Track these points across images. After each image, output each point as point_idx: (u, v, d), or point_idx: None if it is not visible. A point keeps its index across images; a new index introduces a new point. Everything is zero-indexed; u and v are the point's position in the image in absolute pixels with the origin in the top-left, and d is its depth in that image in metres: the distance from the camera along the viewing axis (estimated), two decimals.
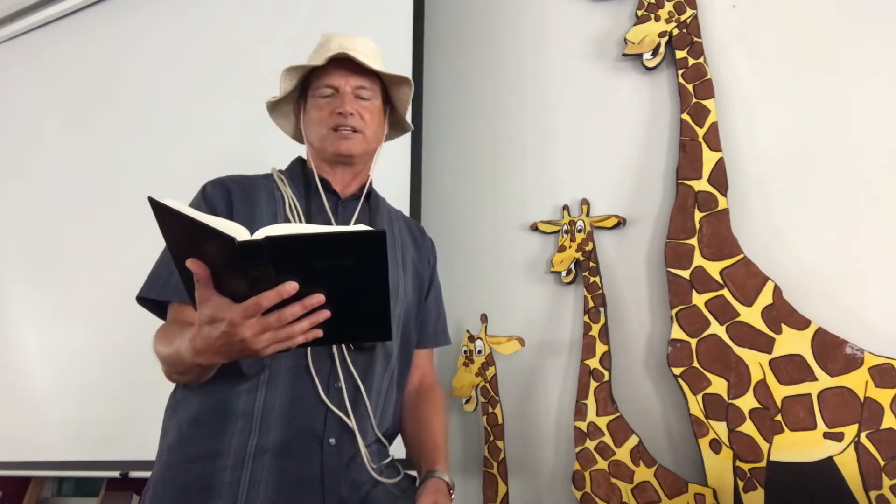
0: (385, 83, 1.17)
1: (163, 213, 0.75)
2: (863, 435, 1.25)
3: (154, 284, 1.03)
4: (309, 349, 0.99)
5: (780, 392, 1.33)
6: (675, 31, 1.66)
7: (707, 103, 1.57)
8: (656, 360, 1.53)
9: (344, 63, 1.11)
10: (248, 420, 0.95)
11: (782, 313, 1.37)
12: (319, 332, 0.79)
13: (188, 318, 0.95)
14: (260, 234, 0.70)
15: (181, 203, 0.75)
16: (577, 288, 1.67)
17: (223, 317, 0.75)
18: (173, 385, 1.06)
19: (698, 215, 1.50)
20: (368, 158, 1.17)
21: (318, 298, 0.75)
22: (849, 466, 1.25)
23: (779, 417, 1.32)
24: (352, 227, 0.74)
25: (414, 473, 1.12)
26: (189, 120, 2.25)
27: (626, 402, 1.52)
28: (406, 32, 1.89)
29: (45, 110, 2.64)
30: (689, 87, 1.60)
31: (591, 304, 1.60)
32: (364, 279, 0.76)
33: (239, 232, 0.71)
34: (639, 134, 1.70)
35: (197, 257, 0.74)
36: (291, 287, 0.73)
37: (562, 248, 1.68)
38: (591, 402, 1.52)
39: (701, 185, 1.52)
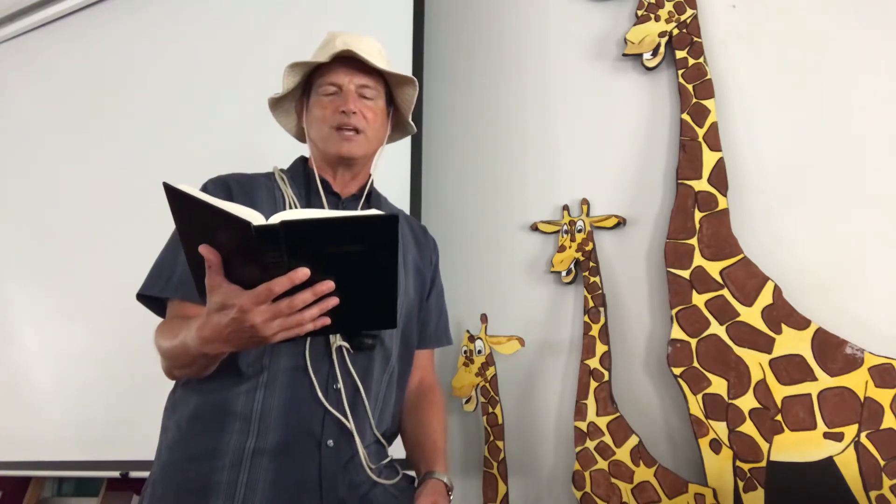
0: (389, 83, 1.17)
1: (177, 198, 0.75)
2: (863, 435, 1.25)
3: (156, 282, 1.02)
4: (308, 350, 0.99)
5: (780, 392, 1.33)
6: (675, 31, 1.66)
7: (707, 103, 1.57)
8: (656, 360, 1.53)
9: (348, 61, 1.10)
10: (246, 421, 0.95)
11: (782, 313, 1.37)
12: (328, 320, 0.79)
13: (189, 314, 0.95)
14: (275, 218, 0.71)
15: (196, 189, 0.75)
16: (577, 288, 1.67)
17: (233, 303, 0.75)
18: (173, 385, 1.06)
19: (698, 215, 1.50)
20: (369, 159, 1.17)
21: (329, 285, 0.76)
22: (849, 466, 1.25)
23: (779, 417, 1.32)
24: (366, 212, 0.75)
25: (412, 474, 1.11)
26: (189, 120, 2.25)
27: (626, 402, 1.52)
28: (406, 32, 1.89)
29: (45, 110, 2.64)
30: (689, 87, 1.60)
31: (591, 304, 1.59)
32: (374, 266, 0.77)
33: (253, 217, 0.72)
34: (639, 134, 1.70)
35: (208, 244, 0.75)
36: (303, 273, 0.74)
37: (562, 248, 1.68)
38: (591, 402, 1.52)
39: (701, 185, 1.52)
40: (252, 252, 0.72)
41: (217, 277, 0.76)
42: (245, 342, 0.80)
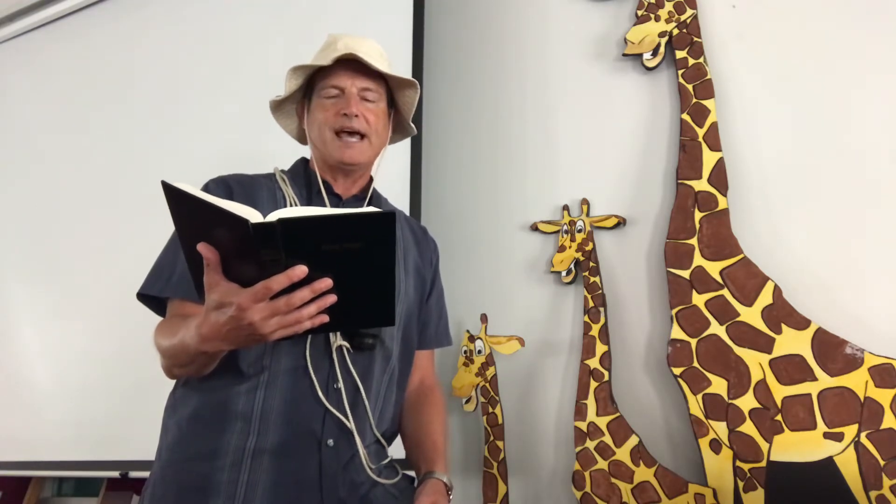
0: (391, 86, 1.17)
1: (175, 197, 0.75)
2: (863, 435, 1.25)
3: (156, 281, 1.03)
4: (308, 350, 0.99)
5: (780, 392, 1.33)
6: (675, 31, 1.66)
7: (707, 103, 1.57)
8: (656, 360, 1.53)
9: (350, 64, 1.10)
10: (246, 421, 0.95)
11: (782, 313, 1.37)
12: (326, 318, 0.79)
13: (189, 313, 0.95)
14: (272, 216, 0.71)
15: (194, 187, 0.76)
16: (577, 288, 1.67)
17: (231, 301, 0.75)
18: (173, 385, 1.06)
19: (698, 215, 1.50)
20: (371, 162, 1.17)
21: (326, 283, 0.76)
22: (849, 466, 1.25)
23: (779, 417, 1.32)
24: (363, 209, 0.75)
25: (412, 474, 1.12)
26: (190, 120, 2.25)
27: (626, 402, 1.52)
28: (406, 32, 1.89)
29: (45, 110, 2.64)
30: (689, 87, 1.60)
31: (591, 304, 1.59)
32: (371, 264, 0.77)
33: (251, 215, 0.72)
34: (639, 134, 1.70)
35: (207, 243, 0.75)
36: (301, 271, 0.74)
37: (562, 248, 1.68)
38: (591, 402, 1.52)
39: (701, 185, 1.52)
40: (250, 250, 0.72)
41: (215, 275, 0.76)
42: (243, 340, 0.80)
